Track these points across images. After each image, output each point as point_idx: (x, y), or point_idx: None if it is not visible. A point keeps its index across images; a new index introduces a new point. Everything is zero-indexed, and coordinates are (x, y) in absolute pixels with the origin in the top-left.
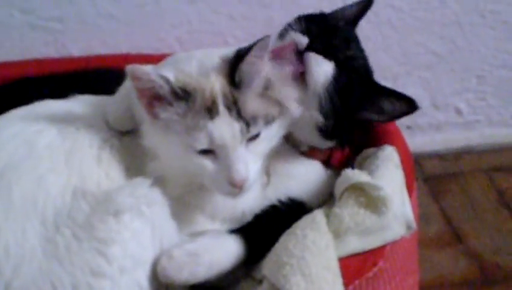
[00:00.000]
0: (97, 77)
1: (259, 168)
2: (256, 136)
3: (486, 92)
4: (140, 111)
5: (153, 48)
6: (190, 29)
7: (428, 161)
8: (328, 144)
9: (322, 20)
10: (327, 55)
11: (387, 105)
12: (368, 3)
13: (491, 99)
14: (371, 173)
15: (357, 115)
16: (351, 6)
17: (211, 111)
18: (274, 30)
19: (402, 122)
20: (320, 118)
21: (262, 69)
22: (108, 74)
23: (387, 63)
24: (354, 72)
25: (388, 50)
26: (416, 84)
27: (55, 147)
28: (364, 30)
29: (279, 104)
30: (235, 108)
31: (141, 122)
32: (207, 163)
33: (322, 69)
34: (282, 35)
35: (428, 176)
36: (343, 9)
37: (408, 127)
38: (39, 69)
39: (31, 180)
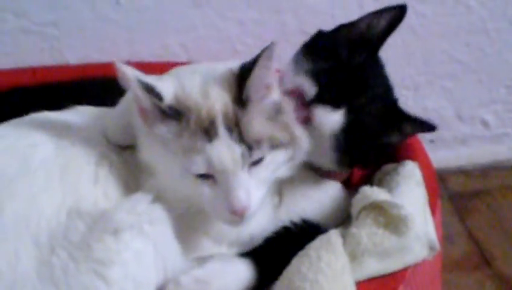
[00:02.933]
0: (95, 86)
1: (263, 196)
2: (260, 161)
3: None
4: (138, 120)
5: (156, 55)
6: (196, 36)
7: (453, 177)
8: (348, 169)
9: (336, 52)
10: (337, 103)
11: (408, 128)
12: (399, 15)
13: None
14: (390, 190)
15: (376, 142)
16: (378, 18)
17: (209, 132)
18: (287, 36)
19: (425, 136)
20: (334, 155)
21: (270, 80)
22: (107, 83)
23: (408, 71)
24: (368, 116)
25: (409, 58)
26: (439, 94)
27: (49, 163)
28: None
29: (289, 130)
30: (236, 129)
31: (138, 133)
32: (205, 188)
33: (330, 121)
34: (296, 61)
35: (453, 193)
36: (369, 23)
37: (431, 141)
38: (34, 78)
39: (23, 199)
